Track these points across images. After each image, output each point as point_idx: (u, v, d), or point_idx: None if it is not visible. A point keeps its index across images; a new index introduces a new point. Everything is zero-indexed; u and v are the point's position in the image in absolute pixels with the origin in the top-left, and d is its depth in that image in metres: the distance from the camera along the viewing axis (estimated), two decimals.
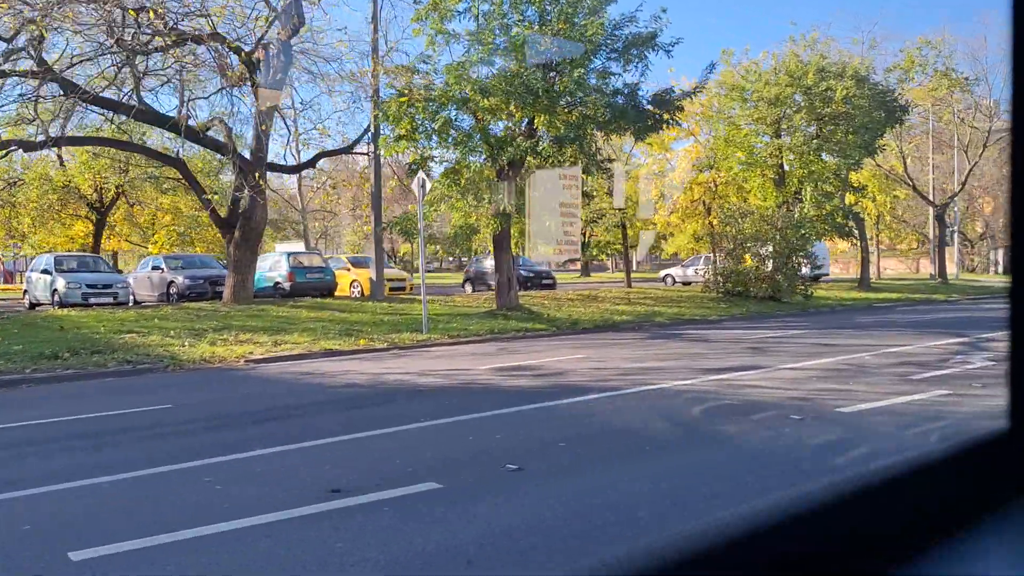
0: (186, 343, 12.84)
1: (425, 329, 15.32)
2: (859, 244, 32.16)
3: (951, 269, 52.54)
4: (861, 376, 9.14)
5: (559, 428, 6.55)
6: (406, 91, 17.19)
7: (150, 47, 13.55)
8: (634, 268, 66.58)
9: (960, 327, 15.68)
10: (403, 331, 15.22)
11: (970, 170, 35.65)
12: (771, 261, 24.00)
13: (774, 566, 0.81)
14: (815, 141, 25.36)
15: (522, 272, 27.56)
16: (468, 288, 28.84)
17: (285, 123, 22.48)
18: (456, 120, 17.32)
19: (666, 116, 17.57)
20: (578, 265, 52.78)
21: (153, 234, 37.39)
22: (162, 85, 18.08)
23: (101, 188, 30.59)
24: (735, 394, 8.06)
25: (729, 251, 24.76)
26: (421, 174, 15.24)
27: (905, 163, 35.85)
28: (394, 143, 17.78)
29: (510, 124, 17.77)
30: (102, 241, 37.57)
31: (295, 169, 22.34)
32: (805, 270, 36.45)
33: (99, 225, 31.69)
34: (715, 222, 27.21)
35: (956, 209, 49.38)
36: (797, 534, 0.84)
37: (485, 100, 16.14)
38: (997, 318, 18.63)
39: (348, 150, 22.08)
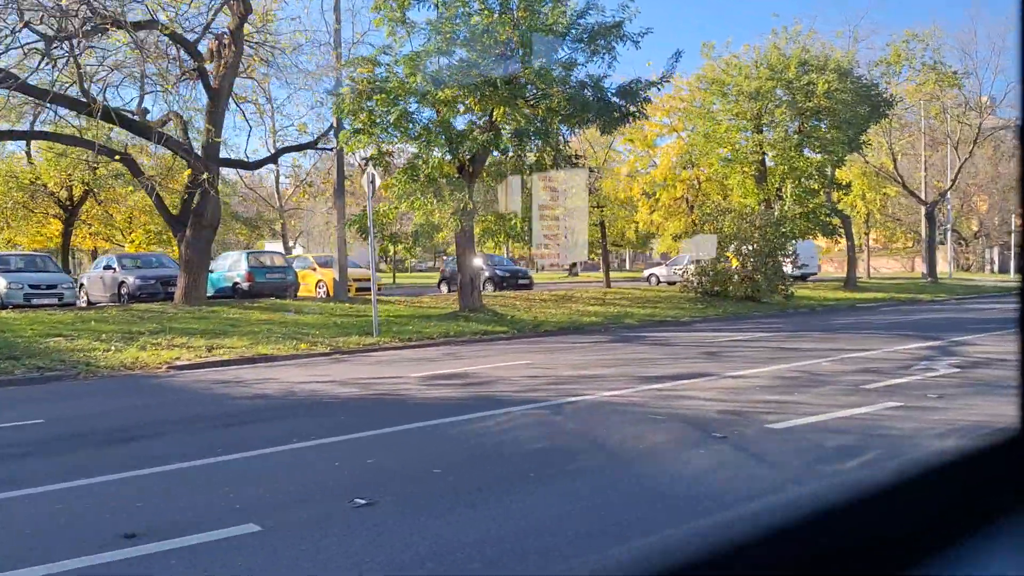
0: (112, 348, 12.13)
1: (376, 332, 14.62)
2: (846, 243, 31.39)
3: (944, 268, 51.88)
4: (811, 385, 8.44)
5: (448, 449, 5.85)
6: (361, 83, 16.48)
7: (66, 33, 12.81)
8: (628, 267, 66.07)
9: (937, 329, 14.98)
10: (352, 334, 14.52)
11: (960, 167, 34.92)
12: (751, 260, 23.30)
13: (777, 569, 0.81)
14: (796, 136, 24.64)
15: (497, 272, 26.90)
16: (444, 288, 28.12)
17: (247, 118, 21.78)
18: (415, 113, 16.62)
19: (632, 109, 16.82)
20: (585, 263, 52.19)
21: (131, 233, 36.75)
22: (112, 76, 17.32)
23: (71, 186, 29.92)
24: (664, 407, 7.36)
25: (709, 251, 24.07)
26: (370, 169, 14.55)
27: (895, 160, 35.12)
28: (354, 138, 17.07)
29: (473, 118, 17.05)
30: (79, 240, 36.98)
31: (255, 165, 21.63)
32: (788, 269, 35.92)
33: (68, 223, 30.99)
34: (696, 220, 26.51)
35: (949, 207, 48.73)
36: (795, 538, 0.83)
37: (441, 92, 15.43)
38: (979, 319, 17.94)
39: (312, 145, 21.36)
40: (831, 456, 5.59)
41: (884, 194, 38.32)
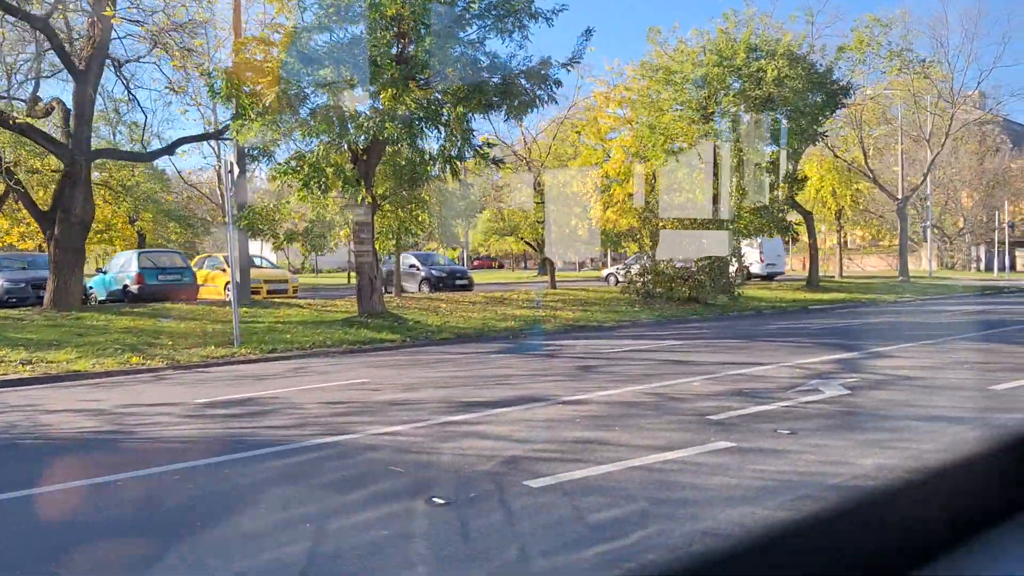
0: None
1: (236, 342, 13.03)
2: (808, 241, 29.81)
3: (925, 265, 50.30)
4: (649, 415, 6.86)
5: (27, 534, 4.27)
6: (240, 65, 14.89)
7: None
8: (592, 266, 64.35)
9: (867, 337, 13.45)
10: (211, 344, 12.92)
11: (932, 160, 33.34)
12: (694, 260, 21.75)
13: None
14: (743, 127, 23.04)
15: (433, 272, 25.33)
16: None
17: (140, 106, 20.14)
18: (304, 98, 14.97)
19: (540, 93, 15.20)
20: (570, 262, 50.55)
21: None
22: None
23: None
24: (430, 451, 5.77)
25: (651, 249, 22.52)
26: (228, 158, 12.98)
27: (866, 154, 33.52)
28: (246, 126, 15.45)
29: (377, 103, 15.38)
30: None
31: (148, 157, 20.01)
32: (757, 267, 34.32)
33: None
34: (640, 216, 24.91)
35: (929, 203, 47.17)
36: (818, 537, 0.82)
37: (316, 72, 13.84)
38: (926, 324, 16.38)
39: (217, 135, 19.75)
40: (574, 537, 4.01)
41: (856, 190, 36.68)
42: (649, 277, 22.23)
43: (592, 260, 62.03)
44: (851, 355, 10.92)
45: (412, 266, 25.77)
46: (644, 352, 11.97)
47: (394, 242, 16.34)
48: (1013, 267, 52.04)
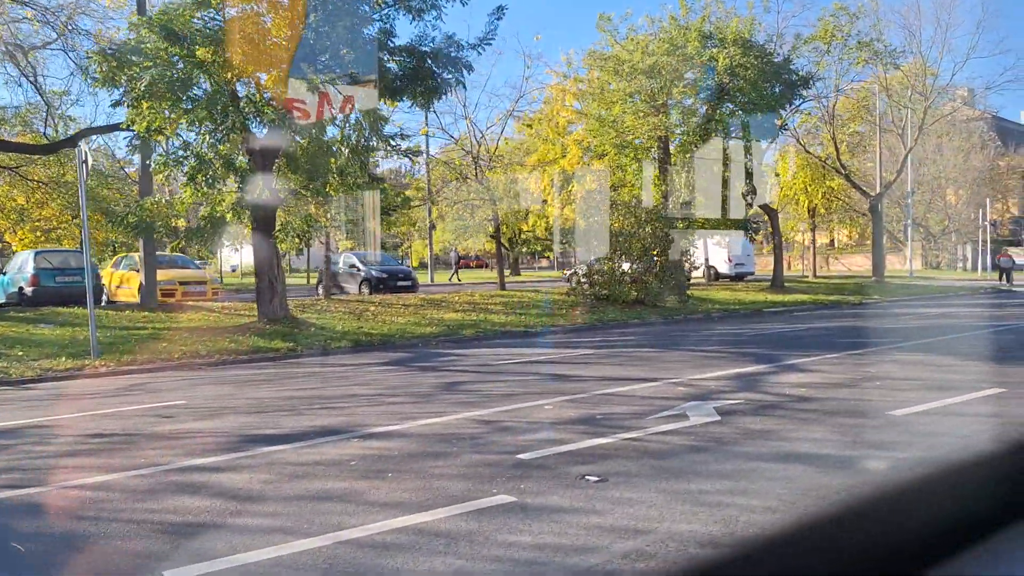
0: None
1: (94, 353, 11.73)
2: (774, 239, 28.55)
3: (903, 266, 49.11)
4: (453, 453, 5.58)
5: None
6: (128, 45, 13.64)
7: None
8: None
9: (794, 346, 12.20)
10: (63, 356, 11.63)
11: (907, 155, 32.08)
12: (640, 260, 20.48)
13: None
14: (693, 120, 21.78)
15: (373, 273, 24.01)
16: (320, 291, 25.20)
17: (41, 94, 18.87)
18: (191, 81, 13.63)
19: (448, 77, 13.93)
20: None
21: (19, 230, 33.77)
22: None
23: None
24: (56, 515, 4.50)
25: (597, 248, 21.24)
26: (82, 147, 11.68)
27: (838, 149, 32.21)
28: (142, 114, 14.16)
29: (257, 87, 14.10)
30: None
31: (44, 150, 18.70)
32: (724, 266, 33.06)
33: None
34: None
35: (910, 200, 46.02)
36: (825, 539, 0.83)
37: (184, 50, 12.56)
38: (870, 329, 15.16)
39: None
40: None
41: (829, 187, 35.46)
42: (596, 278, 20.97)
43: (559, 259, 60.70)
44: (760, 368, 9.66)
45: (352, 266, 24.46)
46: (536, 364, 10.70)
47: (299, 241, 15.02)
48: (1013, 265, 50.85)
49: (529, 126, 26.27)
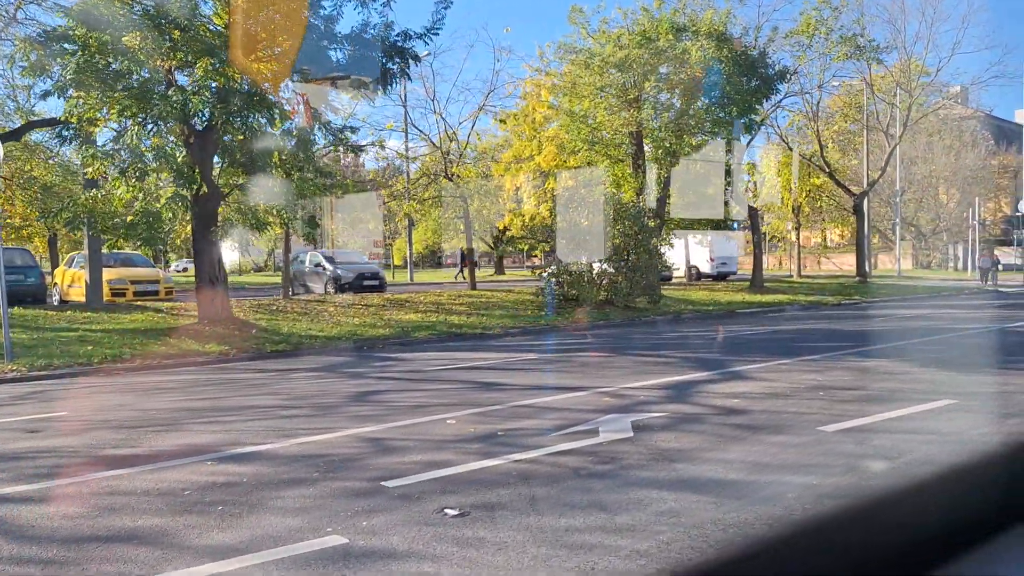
0: None
1: (8, 356, 11.06)
2: (752, 238, 27.90)
3: (891, 266, 48.59)
4: (317, 478, 4.94)
5: None
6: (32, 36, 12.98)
7: None
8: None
9: (747, 351, 11.58)
10: None
11: (891, 152, 31.46)
12: (609, 261, 19.85)
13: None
14: (666, 115, 21.14)
15: (339, 272, 23.34)
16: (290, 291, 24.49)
17: None
18: (109, 68, 12.85)
19: (393, 66, 13.27)
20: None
21: None
22: None
23: None
24: None
25: (566, 249, 20.60)
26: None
27: (822, 147, 31.56)
28: (83, 105, 13.47)
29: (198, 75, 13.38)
30: None
31: None
32: (707, 266, 32.41)
33: None
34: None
35: (898, 199, 45.49)
36: (825, 540, 0.82)
37: (107, 36, 11.87)
38: (838, 332, 14.53)
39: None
40: None
41: (814, 185, 34.86)
42: (565, 279, 20.34)
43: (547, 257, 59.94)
44: (703, 375, 9.02)
45: (318, 265, 23.78)
46: (472, 371, 10.04)
47: (238, 241, 14.36)
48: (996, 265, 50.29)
49: (503, 121, 25.58)
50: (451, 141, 24.37)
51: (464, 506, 4.36)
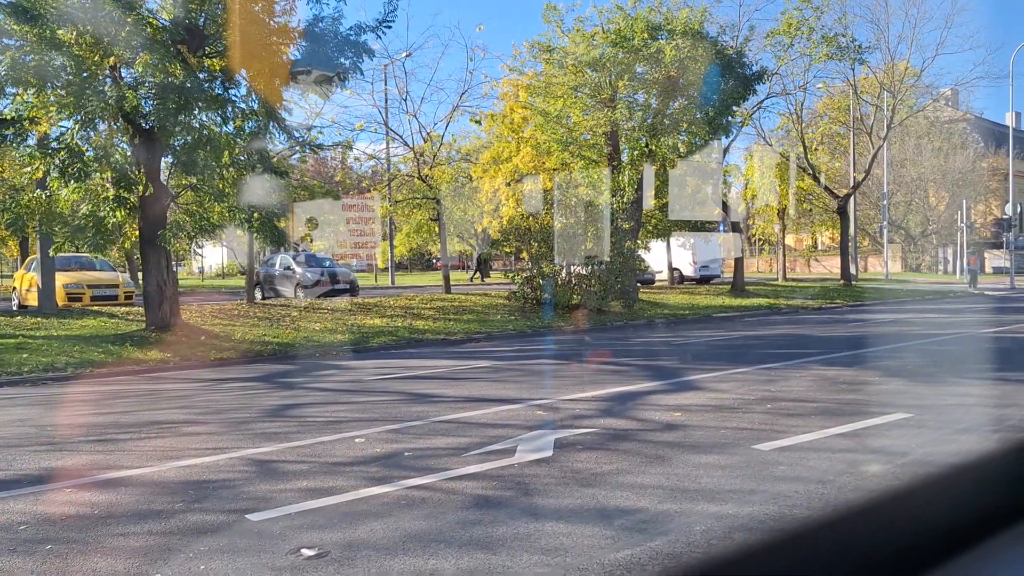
0: None
1: None
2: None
3: (879, 267, 48.26)
4: (130, 517, 4.42)
5: None
6: None
7: None
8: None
9: (707, 359, 11.10)
10: None
11: (874, 155, 31.05)
12: (582, 264, 19.36)
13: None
14: (639, 114, 20.66)
15: (308, 275, 22.79)
16: (258, 294, 23.96)
17: None
18: (46, 63, 12.29)
19: (344, 62, 12.75)
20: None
21: None
22: None
23: None
24: None
25: (539, 252, 20.07)
26: None
27: (806, 149, 31.13)
28: (22, 103, 12.92)
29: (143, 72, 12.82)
30: None
31: None
32: (689, 269, 31.94)
33: None
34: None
35: (885, 202, 45.17)
36: (826, 541, 0.82)
37: (60, 32, 11.35)
38: (807, 338, 14.06)
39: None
40: None
41: (798, 187, 34.40)
42: (537, 282, 19.84)
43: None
44: (652, 386, 8.53)
45: (288, 268, 23.21)
46: (413, 380, 9.52)
47: (188, 244, 13.80)
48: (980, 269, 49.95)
49: (478, 122, 25.08)
50: (425, 142, 23.87)
51: (326, 544, 3.84)
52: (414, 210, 24.67)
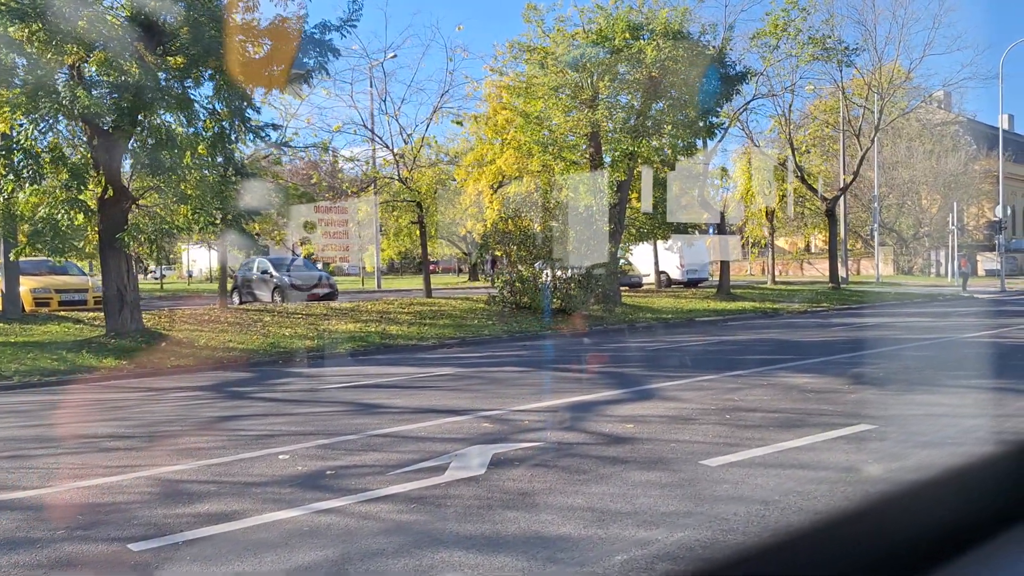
0: None
1: None
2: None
3: (871, 272, 47.99)
4: (4, 550, 4.05)
5: None
6: None
7: None
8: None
9: (680, 365, 10.76)
10: None
11: (862, 157, 30.74)
12: (562, 268, 19.02)
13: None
14: (621, 115, 20.33)
15: (286, 279, 22.41)
16: (236, 299, 23.57)
17: None
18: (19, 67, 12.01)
19: (310, 61, 12.40)
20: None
21: None
22: None
23: None
24: None
25: (518, 256, 19.72)
26: None
27: (794, 151, 30.85)
28: None
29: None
30: None
31: None
32: (676, 272, 31.59)
33: None
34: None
35: (876, 204, 44.92)
36: (826, 542, 0.82)
37: (11, 29, 10.98)
38: (783, 343, 13.71)
39: None
40: None
41: (786, 189, 34.10)
42: (516, 286, 19.49)
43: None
44: (611, 395, 8.17)
45: (265, 272, 22.82)
46: (366, 390, 9.16)
47: (148, 248, 13.39)
48: (973, 272, 49.68)
49: (459, 123, 24.75)
50: (405, 143, 23.52)
51: None
52: (393, 211, 24.28)
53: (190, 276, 58.53)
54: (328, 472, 5.27)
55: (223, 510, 4.46)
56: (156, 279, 52.06)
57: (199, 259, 61.30)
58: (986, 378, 8.90)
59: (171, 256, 67.74)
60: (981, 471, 1.00)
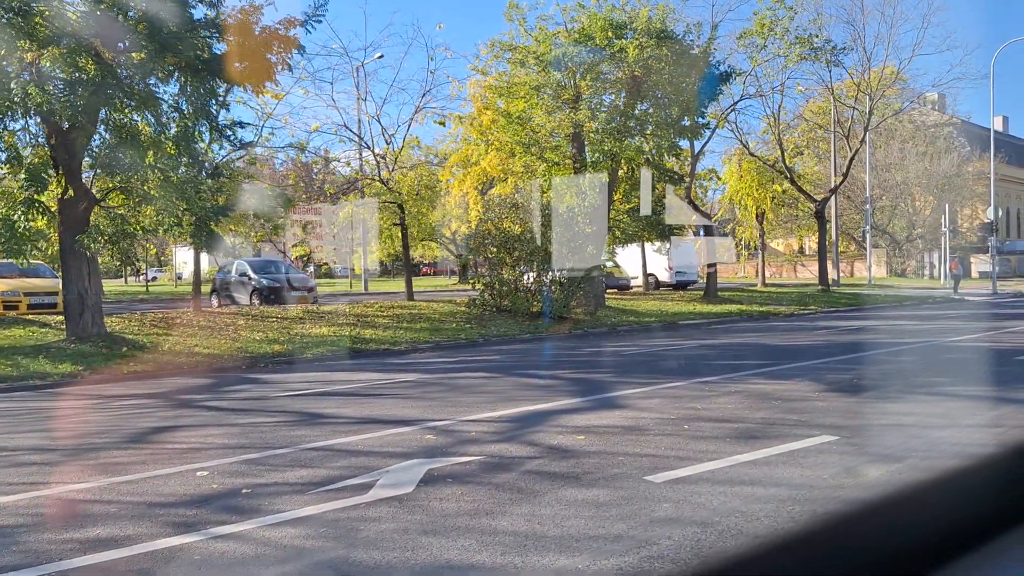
0: None
1: None
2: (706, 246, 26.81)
3: (861, 272, 47.76)
4: None
5: None
6: None
7: None
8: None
9: (648, 371, 10.42)
10: None
11: (851, 158, 30.43)
12: (545, 271, 18.67)
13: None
14: (604, 115, 20.00)
15: (264, 282, 22.02)
16: (215, 301, 23.19)
17: None
18: None
19: (272, 58, 12.04)
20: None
21: None
22: None
23: None
24: None
25: (495, 257, 19.36)
26: None
27: (783, 152, 30.54)
28: None
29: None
30: None
31: None
32: (665, 275, 31.28)
33: None
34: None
35: (868, 206, 44.65)
36: (826, 544, 0.82)
37: None
38: (762, 347, 13.37)
39: None
40: None
41: (776, 191, 33.81)
42: (497, 288, 19.15)
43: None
44: (569, 403, 7.82)
45: (243, 275, 22.43)
46: (321, 397, 8.79)
47: (110, 249, 13.03)
48: (966, 274, 49.35)
49: (442, 123, 24.41)
50: (388, 144, 23.17)
51: None
52: (376, 213, 23.90)
53: (179, 278, 58.12)
54: (244, 491, 4.90)
55: (114, 535, 4.10)
56: (147, 281, 51.59)
57: (189, 261, 60.89)
58: (963, 385, 8.56)
59: (162, 258, 67.25)
60: (981, 472, 1.00)
